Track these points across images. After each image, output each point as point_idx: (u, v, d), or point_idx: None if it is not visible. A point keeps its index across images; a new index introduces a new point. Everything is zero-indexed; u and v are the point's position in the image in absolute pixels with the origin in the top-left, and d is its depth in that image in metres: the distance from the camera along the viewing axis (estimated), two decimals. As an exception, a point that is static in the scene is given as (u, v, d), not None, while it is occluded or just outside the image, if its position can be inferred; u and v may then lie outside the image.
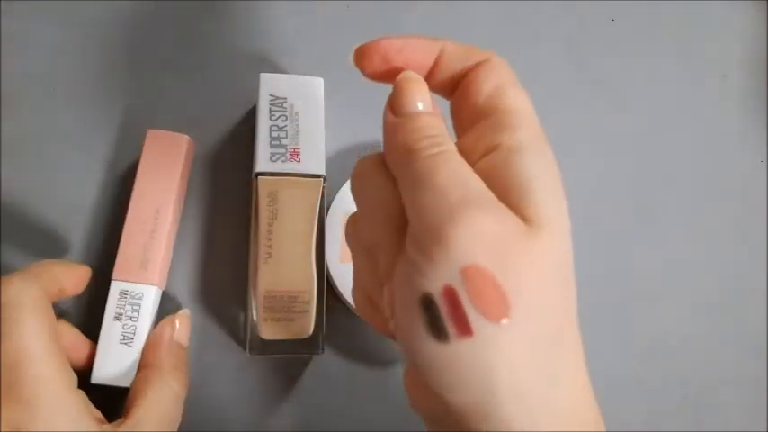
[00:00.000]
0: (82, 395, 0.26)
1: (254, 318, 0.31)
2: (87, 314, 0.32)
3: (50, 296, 0.27)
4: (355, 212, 0.23)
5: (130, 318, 0.30)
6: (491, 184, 0.19)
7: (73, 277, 0.29)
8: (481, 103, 0.21)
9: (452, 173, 0.19)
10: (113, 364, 0.30)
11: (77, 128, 0.35)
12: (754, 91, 0.43)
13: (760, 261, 0.40)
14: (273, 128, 0.32)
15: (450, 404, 0.19)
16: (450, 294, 0.18)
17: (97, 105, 0.36)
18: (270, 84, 0.33)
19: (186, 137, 0.33)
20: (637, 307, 0.38)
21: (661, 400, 0.37)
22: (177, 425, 0.29)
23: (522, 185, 0.19)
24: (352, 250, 0.23)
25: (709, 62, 0.43)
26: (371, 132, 0.36)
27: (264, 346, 0.31)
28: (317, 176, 0.32)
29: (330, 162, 0.35)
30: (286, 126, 0.33)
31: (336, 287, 0.33)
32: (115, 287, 0.30)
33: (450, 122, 0.23)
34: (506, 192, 0.19)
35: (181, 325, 0.31)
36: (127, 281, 0.31)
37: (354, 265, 0.24)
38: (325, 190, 0.32)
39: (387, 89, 0.22)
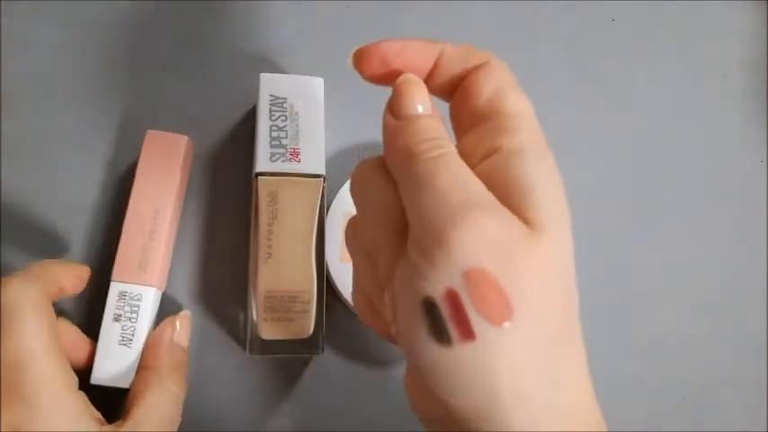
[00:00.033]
0: (82, 396, 0.27)
1: (254, 318, 0.31)
2: (87, 315, 0.32)
3: (50, 296, 0.27)
4: (355, 215, 0.23)
5: (129, 319, 0.30)
6: (492, 186, 0.19)
7: (72, 277, 0.29)
8: (481, 106, 0.21)
9: (453, 175, 0.19)
10: (112, 365, 0.30)
11: (77, 128, 0.35)
12: (754, 91, 0.43)
13: (760, 261, 0.40)
14: (273, 128, 0.32)
15: (451, 407, 0.19)
16: (453, 298, 0.18)
17: (97, 105, 0.36)
18: (270, 84, 0.33)
19: (185, 137, 0.33)
20: (637, 307, 0.38)
21: (661, 400, 0.37)
22: (176, 426, 0.29)
23: (523, 188, 0.19)
24: (351, 253, 0.23)
25: (709, 62, 0.43)
26: (371, 132, 0.36)
27: (264, 346, 0.31)
28: (317, 176, 0.32)
29: (330, 162, 0.35)
30: (286, 126, 0.33)
31: (336, 287, 0.33)
32: (114, 288, 0.30)
33: (449, 125, 0.23)
34: (507, 195, 0.19)
35: (181, 326, 0.31)
36: (126, 282, 0.31)
37: (354, 268, 0.24)
38: (325, 190, 0.32)
39: (387, 89, 0.22)
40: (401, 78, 0.21)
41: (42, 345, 0.25)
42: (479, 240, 0.18)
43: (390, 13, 0.40)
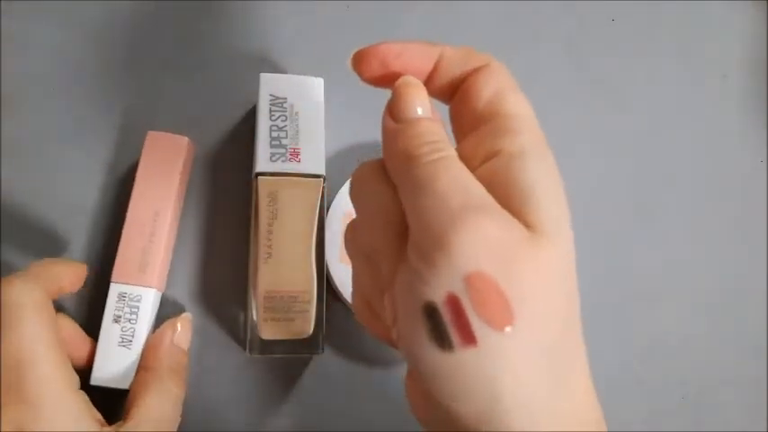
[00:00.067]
0: (84, 396, 0.27)
1: (254, 318, 0.31)
2: (87, 316, 0.32)
3: (50, 295, 0.27)
4: (354, 219, 0.23)
5: (129, 320, 0.30)
6: (492, 189, 0.19)
7: (71, 275, 0.29)
8: (481, 108, 0.21)
9: (453, 179, 0.19)
10: (112, 366, 0.30)
11: (77, 128, 0.35)
12: (754, 91, 0.43)
13: (760, 261, 0.40)
14: (273, 128, 0.32)
15: (452, 412, 0.19)
16: (454, 302, 0.18)
17: (97, 105, 0.36)
18: (270, 84, 0.33)
19: (186, 139, 0.33)
20: (637, 307, 0.38)
21: (661, 400, 0.37)
22: (176, 427, 0.29)
23: (524, 191, 0.19)
24: (351, 257, 0.23)
25: (709, 62, 0.43)
26: (371, 132, 0.36)
27: (264, 346, 0.31)
28: (317, 176, 0.32)
29: (330, 162, 0.35)
30: (286, 126, 0.33)
31: (336, 287, 0.33)
32: (114, 289, 0.30)
33: (448, 127, 0.22)
34: (508, 198, 0.19)
35: (182, 328, 0.31)
36: (125, 283, 0.31)
37: (354, 271, 0.23)
38: (325, 190, 0.32)
39: (388, 90, 0.22)
40: (400, 81, 0.21)
41: (44, 345, 0.25)
42: (480, 244, 0.18)
43: (390, 13, 0.40)
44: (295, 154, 0.32)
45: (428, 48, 0.22)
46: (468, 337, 0.18)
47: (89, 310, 0.32)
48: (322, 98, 0.34)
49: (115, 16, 0.37)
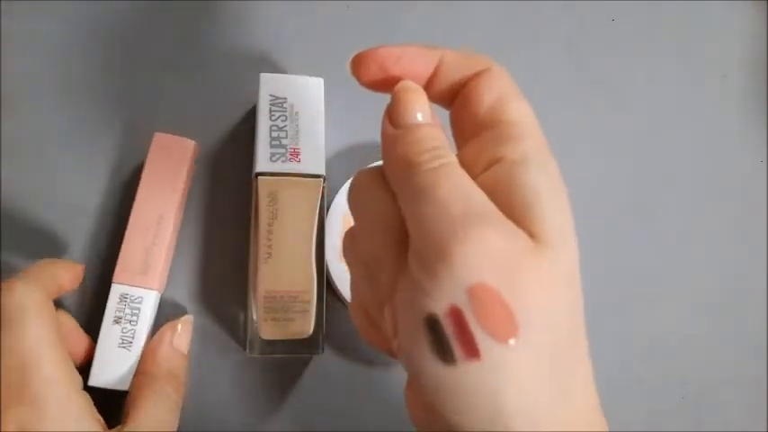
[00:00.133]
0: (87, 397, 0.27)
1: (254, 318, 0.31)
2: (87, 317, 0.32)
3: (50, 295, 0.27)
4: (353, 227, 0.22)
5: (130, 321, 0.30)
6: (495, 198, 0.19)
7: (69, 275, 0.30)
8: (483, 114, 0.21)
9: (455, 187, 0.19)
10: (111, 368, 0.30)
11: (77, 128, 0.35)
12: (754, 91, 0.43)
13: (760, 261, 0.40)
14: (273, 128, 0.32)
15: (454, 425, 0.18)
16: (456, 315, 0.17)
17: (97, 105, 0.36)
18: (270, 84, 0.33)
19: (192, 142, 0.33)
20: (637, 307, 0.38)
21: (661, 400, 0.37)
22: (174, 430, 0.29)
23: (527, 200, 0.19)
24: (349, 265, 0.23)
25: (709, 62, 0.43)
26: (371, 132, 0.36)
27: (264, 346, 0.31)
28: (317, 176, 0.32)
29: (330, 162, 0.35)
30: (286, 126, 0.33)
31: (336, 287, 0.33)
32: (115, 290, 0.30)
33: (449, 132, 0.22)
34: (511, 206, 0.19)
35: (182, 330, 0.31)
36: (127, 285, 0.31)
37: (352, 280, 0.23)
38: (325, 190, 0.32)
39: (387, 94, 0.22)
40: (400, 85, 0.21)
41: (47, 346, 0.26)
42: (483, 255, 0.17)
43: (390, 13, 0.40)
44: (295, 154, 0.32)
45: (428, 52, 0.22)
46: (472, 351, 0.17)
47: (89, 311, 0.32)
48: (322, 98, 0.34)
49: (115, 16, 0.37)
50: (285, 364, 0.34)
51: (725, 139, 0.42)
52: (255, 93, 0.33)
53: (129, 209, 0.31)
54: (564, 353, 0.19)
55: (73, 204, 0.34)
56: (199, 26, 0.38)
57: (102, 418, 0.27)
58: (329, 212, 0.34)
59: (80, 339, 0.30)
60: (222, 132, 0.36)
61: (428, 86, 0.22)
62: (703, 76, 0.43)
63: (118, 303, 0.30)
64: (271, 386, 0.33)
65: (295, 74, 0.36)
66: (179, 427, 0.29)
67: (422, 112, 0.20)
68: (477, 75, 0.21)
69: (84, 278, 0.31)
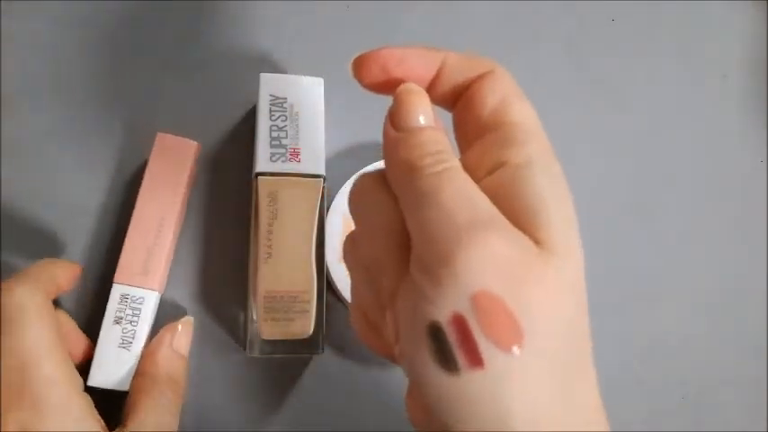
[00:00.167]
0: (87, 398, 0.27)
1: (254, 318, 0.31)
2: (87, 317, 0.32)
3: (49, 296, 0.27)
4: (353, 231, 0.22)
5: (130, 322, 0.30)
6: (498, 202, 0.18)
7: (67, 275, 0.30)
8: (486, 116, 0.20)
9: (458, 191, 0.18)
10: (111, 368, 0.30)
11: (77, 128, 0.35)
12: (754, 91, 0.43)
13: (760, 261, 0.40)
14: (273, 128, 0.32)
15: None
16: (460, 323, 0.17)
17: (97, 105, 0.36)
18: (270, 84, 0.33)
19: (195, 143, 0.33)
20: (637, 307, 0.38)
21: (661, 400, 0.37)
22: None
23: (532, 206, 0.18)
24: (350, 270, 0.22)
25: (709, 62, 0.43)
26: (371, 132, 0.36)
27: (264, 346, 0.31)
28: (317, 176, 0.32)
29: (330, 162, 0.35)
30: (286, 126, 0.33)
31: (336, 287, 0.33)
32: (116, 291, 0.30)
33: (451, 135, 0.22)
34: (515, 212, 0.18)
35: (182, 332, 0.31)
36: (128, 285, 0.30)
37: (353, 285, 0.23)
38: (326, 190, 0.32)
39: (389, 96, 0.22)
40: (402, 88, 0.21)
41: (47, 347, 0.26)
42: (488, 262, 0.17)
43: (390, 14, 0.40)
44: (295, 154, 0.32)
45: (430, 54, 0.21)
46: (475, 359, 0.17)
47: (89, 311, 0.32)
48: (322, 98, 0.34)
49: (115, 16, 0.37)
50: (285, 364, 0.34)
51: (725, 139, 0.42)
52: (255, 93, 0.33)
53: (130, 209, 0.31)
54: (569, 361, 0.18)
55: (73, 204, 0.34)
56: (199, 26, 0.38)
57: (102, 420, 0.27)
58: (329, 212, 0.34)
59: (78, 340, 0.30)
60: (222, 132, 0.36)
61: (430, 89, 0.21)
62: (703, 76, 0.43)
63: (118, 304, 0.30)
64: (271, 386, 0.33)
65: (295, 74, 0.36)
66: (180, 425, 0.29)
67: (424, 114, 0.20)
68: (481, 77, 0.21)
69: (84, 278, 0.31)
